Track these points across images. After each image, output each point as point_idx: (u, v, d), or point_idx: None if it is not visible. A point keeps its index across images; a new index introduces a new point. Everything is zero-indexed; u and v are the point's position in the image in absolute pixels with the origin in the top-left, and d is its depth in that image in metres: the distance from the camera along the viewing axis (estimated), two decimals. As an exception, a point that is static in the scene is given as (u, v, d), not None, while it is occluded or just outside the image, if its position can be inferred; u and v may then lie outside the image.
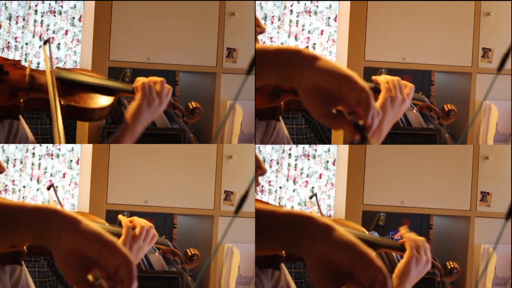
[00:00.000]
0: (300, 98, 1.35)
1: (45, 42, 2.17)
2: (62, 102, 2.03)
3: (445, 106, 2.77)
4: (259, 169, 1.83)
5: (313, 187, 3.80)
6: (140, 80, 2.09)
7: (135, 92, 2.08)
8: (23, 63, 2.11)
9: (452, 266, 3.06)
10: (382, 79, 1.96)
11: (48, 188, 2.43)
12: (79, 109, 2.05)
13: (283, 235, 1.23)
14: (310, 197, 2.11)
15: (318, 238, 1.20)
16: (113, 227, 2.10)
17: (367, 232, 2.08)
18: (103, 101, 2.08)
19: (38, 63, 3.66)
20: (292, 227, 1.21)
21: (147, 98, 2.06)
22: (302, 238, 1.20)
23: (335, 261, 1.20)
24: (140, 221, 2.07)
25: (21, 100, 2.00)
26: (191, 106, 2.54)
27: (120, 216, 2.10)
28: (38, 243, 1.23)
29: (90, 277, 1.23)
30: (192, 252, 3.27)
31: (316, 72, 1.27)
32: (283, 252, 1.94)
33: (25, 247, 1.96)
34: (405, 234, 2.02)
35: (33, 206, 1.22)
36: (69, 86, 2.09)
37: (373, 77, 2.02)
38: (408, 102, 1.95)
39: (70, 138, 3.59)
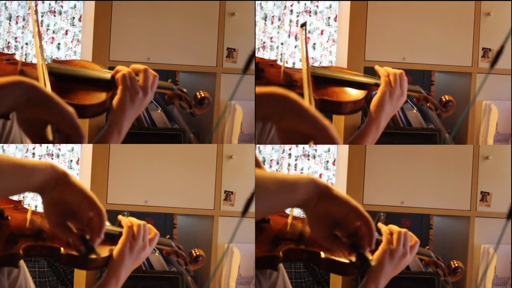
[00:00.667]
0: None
1: None
2: None
3: (442, 97, 2.76)
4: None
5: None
6: (120, 71, 1.96)
7: (116, 84, 1.96)
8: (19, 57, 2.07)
9: (456, 265, 3.05)
10: (382, 70, 2.04)
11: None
12: (73, 106, 1.95)
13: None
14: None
15: (323, 195, 1.45)
16: (113, 227, 2.09)
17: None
18: (98, 96, 2.00)
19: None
20: (296, 188, 1.44)
21: (129, 91, 1.94)
22: (307, 198, 1.44)
23: (333, 213, 1.46)
24: (136, 221, 2.05)
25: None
26: (199, 95, 2.50)
27: (120, 217, 2.08)
28: (35, 191, 1.46)
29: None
30: (197, 253, 3.26)
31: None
32: (280, 253, 1.94)
33: (21, 250, 1.94)
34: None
35: (34, 161, 1.44)
36: (64, 82, 2.01)
37: (376, 68, 2.07)
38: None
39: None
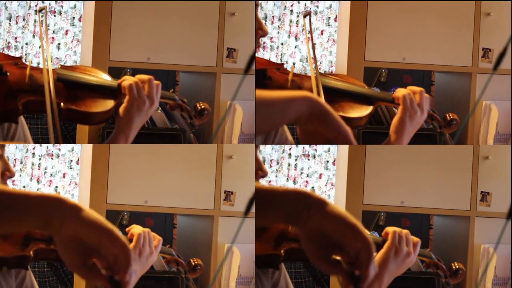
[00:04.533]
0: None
1: (40, 10, 2.11)
2: (63, 106, 1.97)
3: (447, 115, 2.76)
4: (260, 171, 1.83)
5: (313, 186, 3.80)
6: (127, 80, 1.99)
7: (123, 93, 1.99)
8: (24, 61, 2.07)
9: (457, 267, 3.03)
10: (402, 91, 1.97)
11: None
12: (80, 112, 1.99)
13: (282, 209, 1.32)
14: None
15: (313, 210, 1.30)
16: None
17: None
18: (105, 104, 2.02)
19: (38, 63, 3.66)
20: (290, 201, 1.31)
21: (136, 102, 1.97)
22: (299, 211, 1.30)
23: (327, 231, 1.30)
24: (141, 228, 2.07)
25: (20, 103, 1.96)
26: (199, 107, 2.50)
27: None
28: (41, 229, 1.28)
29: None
30: (196, 262, 3.27)
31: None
32: (283, 226, 1.93)
33: (31, 252, 1.94)
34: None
35: (38, 194, 1.26)
36: (72, 88, 2.03)
37: (395, 95, 2.00)
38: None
39: (70, 138, 3.59)
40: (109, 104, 2.01)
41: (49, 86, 1.97)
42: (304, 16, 2.05)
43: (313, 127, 1.52)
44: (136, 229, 2.05)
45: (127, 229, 2.07)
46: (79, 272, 1.29)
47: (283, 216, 1.32)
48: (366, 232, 1.34)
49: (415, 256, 1.97)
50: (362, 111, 1.98)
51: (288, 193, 1.32)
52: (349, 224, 1.30)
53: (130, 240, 2.03)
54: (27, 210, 1.26)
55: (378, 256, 1.94)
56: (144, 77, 1.99)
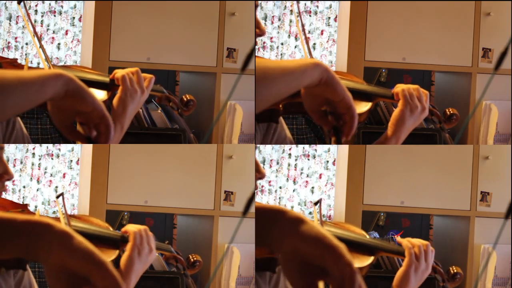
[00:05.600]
0: (303, 93, 1.60)
1: (58, 196, 2.18)
2: None
3: (447, 110, 2.76)
4: (257, 173, 1.83)
5: (313, 186, 3.80)
6: (119, 72, 2.08)
7: (116, 84, 2.07)
8: (21, 62, 2.11)
9: (455, 271, 3.02)
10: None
11: (57, 197, 2.42)
12: None
13: (260, 229, 1.23)
14: (315, 204, 2.06)
15: (288, 231, 1.19)
16: (115, 232, 2.10)
17: (367, 236, 2.06)
18: (99, 96, 2.09)
19: (38, 63, 3.66)
20: (265, 221, 1.21)
21: (129, 91, 2.06)
22: (273, 232, 1.20)
23: (306, 255, 1.18)
24: (139, 226, 2.08)
25: None
26: (185, 99, 2.57)
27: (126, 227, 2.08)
28: (27, 257, 1.20)
29: None
30: (195, 258, 3.28)
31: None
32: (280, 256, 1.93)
33: None
34: (404, 241, 2.01)
35: (24, 219, 1.19)
36: None
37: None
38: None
39: (70, 138, 3.59)
40: (103, 96, 2.09)
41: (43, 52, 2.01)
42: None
43: (320, 91, 1.59)
44: (131, 227, 2.06)
45: (122, 230, 2.07)
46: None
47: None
48: (349, 256, 1.19)
49: (430, 268, 1.97)
50: (361, 107, 1.98)
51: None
52: (328, 246, 1.17)
53: (127, 238, 2.05)
54: (11, 237, 1.18)
55: (398, 273, 1.95)
56: (132, 69, 2.10)
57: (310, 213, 3.77)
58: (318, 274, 1.17)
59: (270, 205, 1.22)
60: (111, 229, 2.10)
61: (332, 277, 1.16)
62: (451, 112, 2.47)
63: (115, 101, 2.05)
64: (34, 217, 1.20)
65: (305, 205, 3.80)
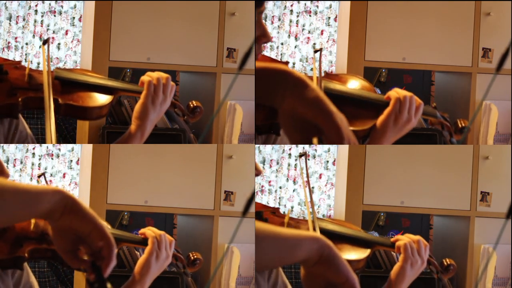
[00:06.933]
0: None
1: (44, 42, 2.18)
2: (61, 101, 2.06)
3: (458, 121, 2.72)
4: (255, 170, 1.84)
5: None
6: (147, 76, 2.10)
7: (139, 87, 2.10)
8: (23, 63, 2.13)
9: (448, 262, 3.05)
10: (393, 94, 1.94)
11: (39, 176, 2.45)
12: (77, 107, 2.08)
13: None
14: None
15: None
16: (123, 232, 2.13)
17: (363, 232, 2.08)
18: (101, 99, 2.10)
19: (38, 63, 3.66)
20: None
21: (151, 97, 2.07)
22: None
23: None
24: (158, 231, 2.12)
25: (20, 99, 2.03)
26: (191, 105, 2.57)
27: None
28: (41, 218, 1.42)
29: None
30: (195, 256, 3.27)
31: (298, 99, 1.27)
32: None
33: (26, 253, 1.98)
34: (400, 237, 2.06)
35: (42, 188, 1.40)
36: (68, 86, 2.12)
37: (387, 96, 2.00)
38: (415, 121, 1.96)
39: (70, 138, 3.59)
40: (106, 99, 2.10)
41: (48, 86, 2.04)
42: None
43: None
44: (150, 231, 2.12)
45: (140, 232, 2.12)
46: (67, 256, 1.45)
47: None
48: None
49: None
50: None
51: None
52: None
53: (145, 240, 2.10)
54: (30, 203, 1.38)
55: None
56: (163, 74, 2.10)
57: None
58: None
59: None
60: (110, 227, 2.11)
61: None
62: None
63: (137, 106, 2.10)
64: (50, 186, 1.43)
65: (305, 205, 3.80)
